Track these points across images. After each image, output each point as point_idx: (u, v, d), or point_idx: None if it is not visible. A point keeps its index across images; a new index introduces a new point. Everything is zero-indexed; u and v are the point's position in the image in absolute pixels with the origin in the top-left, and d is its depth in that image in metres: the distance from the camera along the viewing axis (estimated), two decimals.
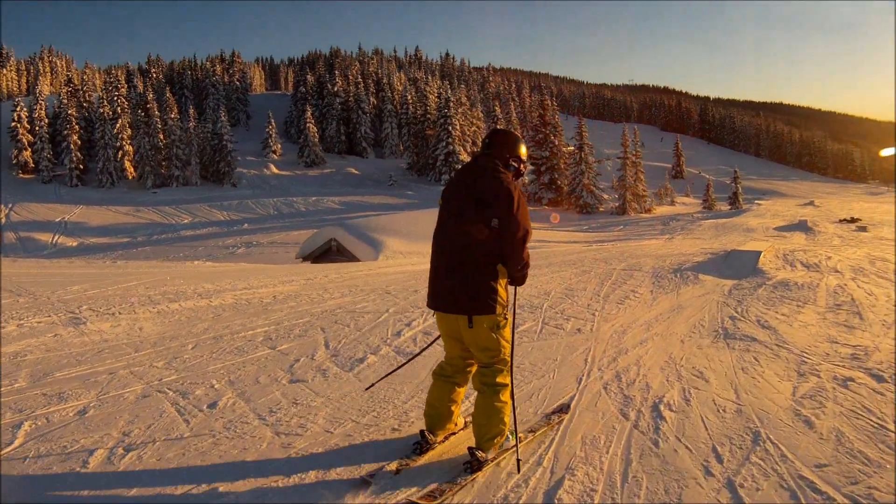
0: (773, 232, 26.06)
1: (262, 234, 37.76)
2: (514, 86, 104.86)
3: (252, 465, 3.01)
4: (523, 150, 3.09)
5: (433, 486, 2.76)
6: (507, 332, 3.02)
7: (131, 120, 53.53)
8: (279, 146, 63.52)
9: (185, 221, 42.59)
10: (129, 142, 52.78)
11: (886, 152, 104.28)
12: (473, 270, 2.87)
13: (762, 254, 11.09)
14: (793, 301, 7.65)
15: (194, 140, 54.11)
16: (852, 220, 29.52)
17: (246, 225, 41.06)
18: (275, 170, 58.68)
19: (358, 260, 22.37)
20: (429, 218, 28.63)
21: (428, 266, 3.24)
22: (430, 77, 78.47)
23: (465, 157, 56.20)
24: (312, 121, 62.33)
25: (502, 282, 2.95)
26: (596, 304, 7.49)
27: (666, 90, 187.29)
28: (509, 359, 3.04)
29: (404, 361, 4.25)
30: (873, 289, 8.57)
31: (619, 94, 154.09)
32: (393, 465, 2.88)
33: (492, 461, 2.96)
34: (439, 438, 3.17)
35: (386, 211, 38.41)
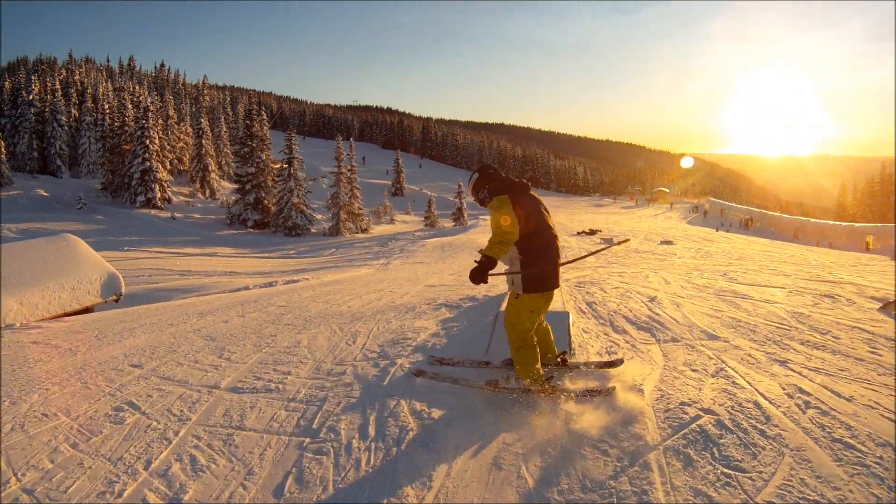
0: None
1: None
2: (228, 100, 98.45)
3: None
4: None
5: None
6: None
7: None
8: None
9: None
10: None
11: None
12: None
13: (571, 319, 5.75)
14: None
15: None
16: (591, 232, 28.49)
17: None
18: None
19: None
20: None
21: None
22: (136, 87, 70.82)
23: (165, 175, 50.35)
24: (0, 135, 51.66)
25: None
26: None
27: (389, 110, 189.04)
28: None
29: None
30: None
31: (340, 113, 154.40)
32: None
33: None
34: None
35: None
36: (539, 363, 4.08)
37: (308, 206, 44.10)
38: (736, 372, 4.42)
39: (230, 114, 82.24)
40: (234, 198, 46.68)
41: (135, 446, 3.57)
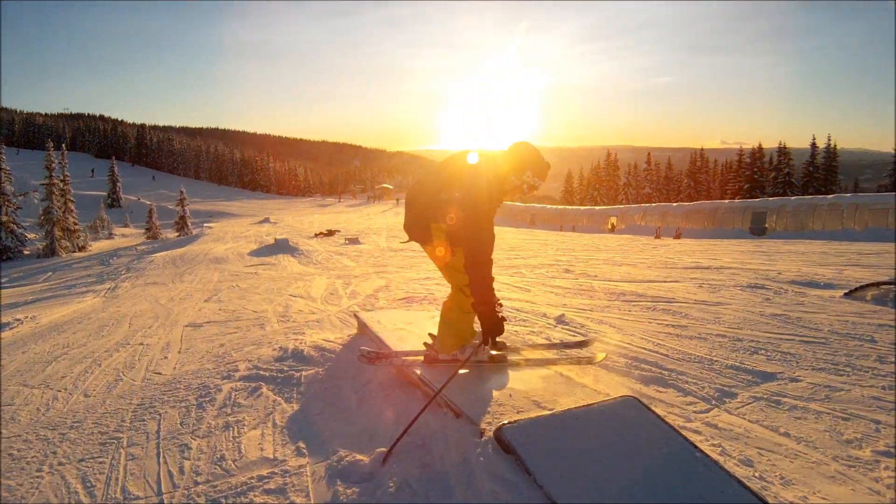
0: (253, 259, 20.22)
1: None
2: None
3: None
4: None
5: None
6: None
7: None
8: None
9: None
10: None
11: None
12: None
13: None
14: None
15: None
16: (330, 233, 28.09)
17: None
18: None
19: None
20: None
21: None
22: None
23: None
24: None
25: None
26: None
27: (102, 118, 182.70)
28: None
29: None
30: None
31: (52, 122, 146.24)
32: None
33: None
34: None
35: None
36: None
37: (19, 225, 39.84)
38: None
39: None
40: None
41: None
